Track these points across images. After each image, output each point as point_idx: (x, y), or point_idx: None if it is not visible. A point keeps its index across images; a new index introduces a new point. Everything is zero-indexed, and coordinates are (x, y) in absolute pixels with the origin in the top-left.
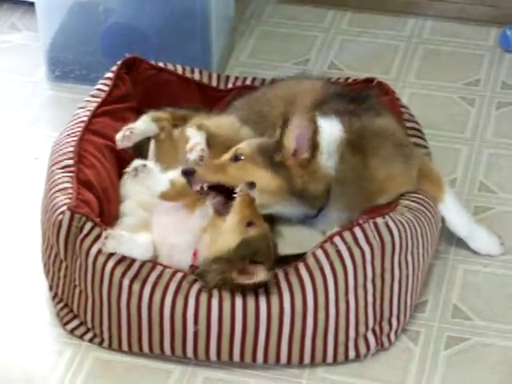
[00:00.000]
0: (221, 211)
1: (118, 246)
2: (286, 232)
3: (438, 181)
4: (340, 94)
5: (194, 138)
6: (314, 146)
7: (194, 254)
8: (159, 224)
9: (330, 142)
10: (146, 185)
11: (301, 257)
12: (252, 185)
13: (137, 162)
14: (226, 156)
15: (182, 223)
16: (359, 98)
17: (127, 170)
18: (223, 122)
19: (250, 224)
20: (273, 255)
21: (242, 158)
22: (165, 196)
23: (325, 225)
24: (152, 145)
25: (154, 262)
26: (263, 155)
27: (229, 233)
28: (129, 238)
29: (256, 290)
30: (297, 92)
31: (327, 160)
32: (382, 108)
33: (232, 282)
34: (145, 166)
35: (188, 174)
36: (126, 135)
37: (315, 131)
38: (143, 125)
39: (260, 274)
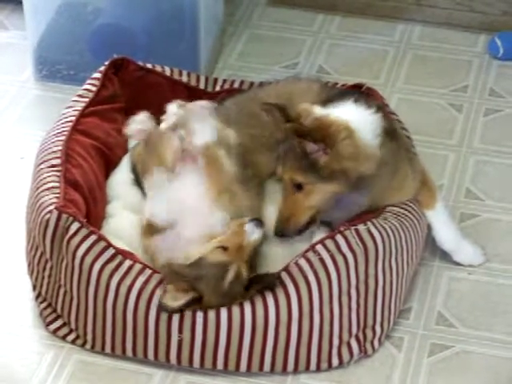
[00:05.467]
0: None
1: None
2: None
3: (432, 188)
4: (340, 93)
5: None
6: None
7: None
8: (176, 208)
9: (371, 124)
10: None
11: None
12: (259, 222)
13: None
14: (285, 189)
15: (203, 219)
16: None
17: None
18: None
19: (224, 248)
20: (217, 289)
21: (301, 184)
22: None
23: (346, 212)
24: (124, 161)
25: (143, 265)
26: (309, 170)
27: (203, 246)
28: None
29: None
30: (293, 92)
31: (372, 139)
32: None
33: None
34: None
35: (281, 236)
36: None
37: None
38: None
39: (175, 301)
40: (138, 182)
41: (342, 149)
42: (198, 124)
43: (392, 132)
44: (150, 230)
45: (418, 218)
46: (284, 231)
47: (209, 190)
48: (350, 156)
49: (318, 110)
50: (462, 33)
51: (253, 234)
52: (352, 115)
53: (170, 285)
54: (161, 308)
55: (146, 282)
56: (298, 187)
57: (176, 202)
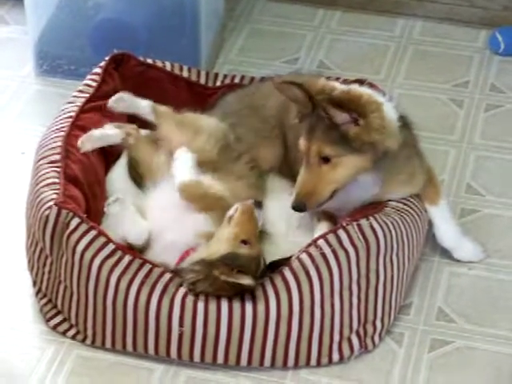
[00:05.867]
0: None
1: (120, 212)
2: (276, 238)
3: (437, 185)
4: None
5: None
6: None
7: (183, 256)
8: (158, 215)
9: (391, 105)
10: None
11: (287, 261)
12: (259, 204)
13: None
14: (307, 162)
15: (185, 222)
16: None
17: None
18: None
19: (244, 242)
20: (257, 276)
21: (328, 157)
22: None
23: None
24: (123, 157)
25: (143, 260)
26: (339, 144)
27: (221, 242)
28: (133, 214)
29: (237, 293)
30: None
31: (395, 118)
32: None
33: (215, 281)
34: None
35: (299, 211)
36: (85, 139)
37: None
38: (104, 130)
39: (245, 279)
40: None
41: (373, 120)
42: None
43: (406, 121)
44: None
45: (419, 214)
46: (305, 206)
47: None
48: (379, 128)
49: (340, 85)
50: (462, 28)
51: (260, 219)
52: (374, 94)
53: (217, 271)
54: (235, 289)
55: (146, 277)
56: (325, 160)
57: (153, 216)
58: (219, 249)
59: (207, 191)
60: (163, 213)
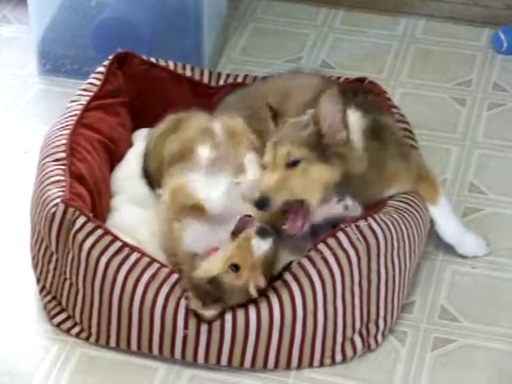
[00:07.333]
0: (239, 230)
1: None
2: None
3: (434, 183)
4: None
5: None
6: (346, 124)
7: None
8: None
9: (357, 126)
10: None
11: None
12: (265, 233)
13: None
14: (273, 162)
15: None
16: (360, 93)
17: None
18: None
19: (235, 266)
20: (242, 302)
21: (297, 160)
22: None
23: None
24: (129, 154)
25: (151, 259)
26: (311, 150)
27: (216, 261)
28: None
29: (196, 317)
30: (292, 86)
31: (357, 142)
32: (381, 106)
33: (187, 301)
34: None
35: (262, 206)
36: None
37: (343, 106)
38: None
39: (209, 310)
40: (149, 179)
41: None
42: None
43: (375, 132)
44: (190, 210)
45: (419, 212)
46: (269, 200)
47: None
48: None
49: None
50: (465, 27)
51: (260, 248)
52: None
53: (194, 298)
54: (194, 315)
55: (154, 277)
56: (293, 164)
57: (233, 203)
58: (211, 268)
59: None
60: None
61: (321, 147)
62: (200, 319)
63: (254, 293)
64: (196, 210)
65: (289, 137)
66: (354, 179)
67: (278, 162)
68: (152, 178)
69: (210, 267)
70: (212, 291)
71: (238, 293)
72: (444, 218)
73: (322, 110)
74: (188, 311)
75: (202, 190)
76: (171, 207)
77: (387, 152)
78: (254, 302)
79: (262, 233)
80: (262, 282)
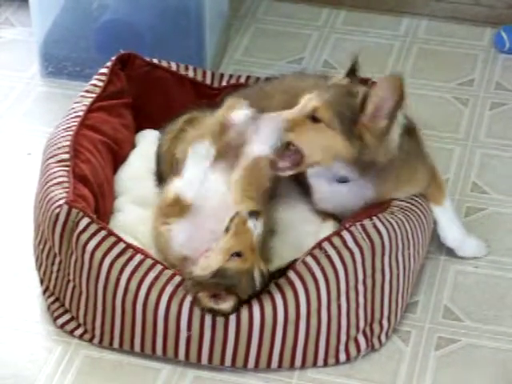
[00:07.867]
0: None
1: None
2: (285, 232)
3: (441, 185)
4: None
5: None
6: (393, 116)
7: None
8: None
9: (399, 123)
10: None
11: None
12: (256, 214)
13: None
14: (300, 111)
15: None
16: None
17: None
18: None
19: (238, 254)
20: (252, 291)
21: (320, 118)
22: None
23: (346, 198)
24: (132, 156)
25: (154, 261)
26: (341, 121)
27: (215, 255)
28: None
29: (214, 315)
30: (301, 86)
31: (394, 140)
32: None
33: (199, 303)
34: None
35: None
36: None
37: (400, 99)
38: None
39: (225, 304)
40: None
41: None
42: (263, 135)
43: (410, 126)
44: (173, 210)
45: (424, 212)
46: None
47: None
48: (378, 136)
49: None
50: (467, 26)
51: (256, 228)
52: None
53: (205, 295)
54: (210, 313)
55: (157, 278)
56: (314, 119)
57: (209, 189)
58: (211, 264)
59: None
60: (213, 194)
61: (351, 122)
62: (217, 316)
63: (258, 278)
64: (179, 209)
65: (329, 97)
66: (377, 170)
67: (304, 110)
68: (165, 180)
69: (210, 264)
70: (220, 281)
71: (246, 278)
72: (447, 221)
73: (378, 91)
74: (202, 311)
75: (176, 183)
76: (158, 211)
77: (416, 151)
78: (258, 299)
79: (254, 214)
80: (263, 265)
